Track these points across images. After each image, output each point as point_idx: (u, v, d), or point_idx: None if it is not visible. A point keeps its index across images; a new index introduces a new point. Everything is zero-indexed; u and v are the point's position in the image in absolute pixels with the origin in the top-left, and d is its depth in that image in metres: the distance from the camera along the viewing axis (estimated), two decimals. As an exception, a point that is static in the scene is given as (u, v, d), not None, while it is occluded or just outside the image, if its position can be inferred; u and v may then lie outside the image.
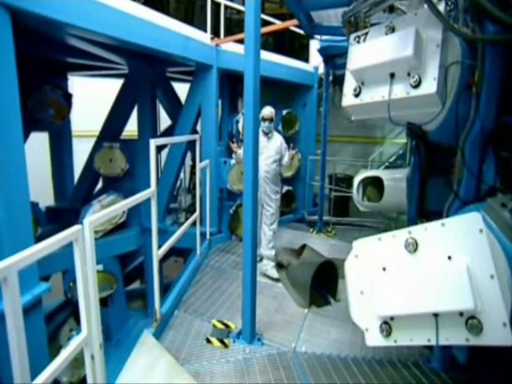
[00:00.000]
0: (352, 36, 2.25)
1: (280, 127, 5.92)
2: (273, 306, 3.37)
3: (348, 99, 2.21)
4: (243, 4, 2.51)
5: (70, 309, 4.89)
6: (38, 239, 1.57)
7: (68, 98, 5.33)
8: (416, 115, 1.97)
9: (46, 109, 4.89)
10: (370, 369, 2.41)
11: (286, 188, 5.97)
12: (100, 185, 5.62)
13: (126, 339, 4.45)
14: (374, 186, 3.41)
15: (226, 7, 5.24)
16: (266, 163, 3.89)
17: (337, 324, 3.10)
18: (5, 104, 2.36)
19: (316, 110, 6.38)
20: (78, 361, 2.96)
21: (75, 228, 1.65)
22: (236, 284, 3.71)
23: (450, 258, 1.36)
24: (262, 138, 3.77)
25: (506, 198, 1.40)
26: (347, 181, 6.11)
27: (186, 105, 5.01)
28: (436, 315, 1.35)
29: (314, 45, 5.93)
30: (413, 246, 1.53)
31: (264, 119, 3.86)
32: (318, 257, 3.77)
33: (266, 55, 5.37)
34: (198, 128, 5.53)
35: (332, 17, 3.61)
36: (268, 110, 3.92)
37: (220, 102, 5.35)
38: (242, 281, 2.74)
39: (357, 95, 2.15)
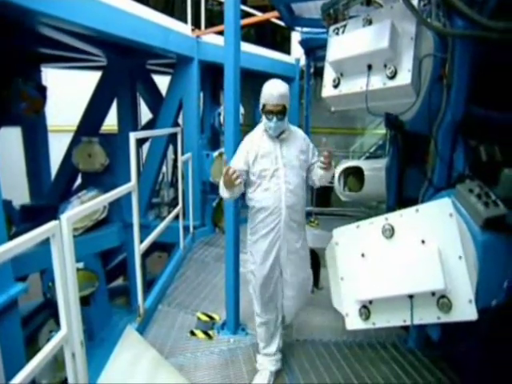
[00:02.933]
0: (331, 28, 2.28)
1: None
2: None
3: (327, 90, 2.24)
4: (223, -6, 2.49)
5: (49, 310, 4.77)
6: (12, 239, 1.46)
7: (42, 90, 5.14)
8: (393, 106, 2.02)
9: (17, 102, 4.66)
10: (350, 352, 2.49)
11: None
12: (79, 181, 5.48)
13: (109, 337, 4.38)
14: (355, 176, 3.49)
15: (207, -2, 5.17)
16: (286, 189, 2.04)
17: (319, 311, 3.17)
18: None
19: (298, 102, 6.42)
20: (58, 362, 2.90)
21: (52, 224, 1.59)
22: (220, 276, 3.73)
23: (423, 241, 1.43)
24: (266, 144, 2.07)
25: (473, 184, 1.48)
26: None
27: (167, 97, 4.95)
28: (411, 296, 1.42)
29: (296, 37, 5.95)
30: (389, 232, 1.58)
31: (268, 111, 2.00)
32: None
33: (248, 47, 5.35)
34: (180, 121, 5.47)
35: (312, 9, 3.62)
36: (277, 91, 1.98)
37: (202, 94, 5.30)
38: (225, 273, 2.77)
39: (336, 86, 2.18)
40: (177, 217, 3.90)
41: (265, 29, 7.10)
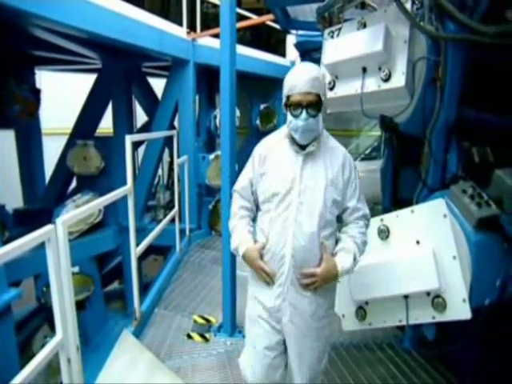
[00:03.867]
0: (326, 31, 2.31)
1: (258, 122, 5.96)
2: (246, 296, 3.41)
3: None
4: (218, -2, 2.50)
5: (43, 315, 4.72)
6: (6, 243, 1.45)
7: (36, 93, 5.10)
8: (387, 108, 2.05)
9: (10, 104, 4.60)
10: (347, 353, 2.50)
11: None
12: (74, 184, 5.44)
13: (105, 342, 4.33)
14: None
15: (202, 1, 5.19)
16: (294, 232, 1.43)
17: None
18: None
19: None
20: (52, 368, 2.88)
21: (47, 228, 1.57)
22: (217, 279, 3.71)
23: (418, 242, 1.44)
24: (284, 155, 1.49)
25: (466, 184, 1.50)
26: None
27: (162, 100, 4.94)
28: (406, 297, 1.43)
29: (291, 39, 5.98)
30: (385, 233, 1.60)
31: (295, 103, 1.40)
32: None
33: (243, 50, 5.36)
34: (176, 124, 5.47)
35: (307, 12, 3.66)
36: (307, 73, 1.39)
37: (197, 97, 5.30)
38: (222, 275, 2.76)
39: (331, 89, 2.21)
40: (173, 220, 3.89)
41: (260, 31, 7.15)
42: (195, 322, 3.00)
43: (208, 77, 5.69)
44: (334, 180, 1.42)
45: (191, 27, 4.83)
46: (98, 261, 4.78)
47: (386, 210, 2.46)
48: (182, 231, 4.36)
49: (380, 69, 1.90)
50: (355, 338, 2.67)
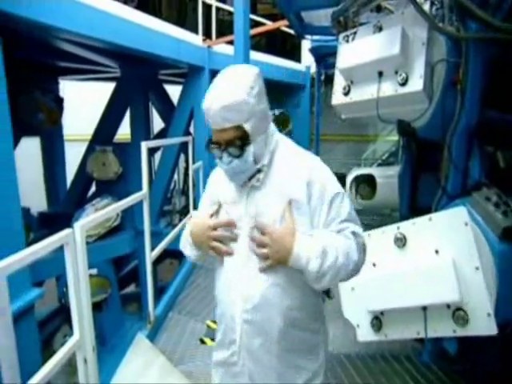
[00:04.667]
0: (341, 35, 2.28)
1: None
2: None
3: (338, 98, 2.24)
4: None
5: (64, 315, 4.84)
6: (31, 245, 1.52)
7: (59, 102, 5.30)
8: (405, 112, 2.00)
9: (36, 113, 4.82)
10: (363, 364, 2.42)
11: None
12: (94, 189, 5.59)
13: (121, 343, 4.40)
14: (367, 183, 3.44)
15: (218, 9, 5.26)
16: (245, 281, 1.08)
17: (330, 321, 3.10)
18: None
19: (309, 110, 6.43)
20: (72, 367, 2.96)
21: (66, 232, 1.63)
22: (231, 284, 3.71)
23: (437, 251, 1.38)
24: (231, 190, 1.14)
25: (491, 191, 1.43)
26: (340, 179, 6.14)
27: (178, 107, 5.02)
28: (424, 308, 1.37)
29: (306, 45, 5.98)
30: (401, 241, 1.55)
31: (214, 142, 1.05)
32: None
33: (258, 56, 5.39)
34: (192, 130, 5.53)
35: (322, 17, 3.64)
36: (218, 102, 0.97)
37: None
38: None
39: (346, 94, 2.17)
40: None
41: (275, 37, 7.17)
42: (208, 327, 2.99)
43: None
44: (290, 201, 1.05)
45: (207, 34, 4.90)
46: (115, 264, 4.87)
47: (404, 218, 2.39)
48: (197, 236, 4.37)
49: (397, 73, 1.85)
50: (371, 348, 2.59)
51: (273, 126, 1.13)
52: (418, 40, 1.79)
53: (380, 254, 1.66)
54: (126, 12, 3.45)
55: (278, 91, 6.51)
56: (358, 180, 3.45)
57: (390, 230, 1.61)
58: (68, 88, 6.75)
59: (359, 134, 7.18)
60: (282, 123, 6.21)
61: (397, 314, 1.51)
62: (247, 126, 1.00)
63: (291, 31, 5.39)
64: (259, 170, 1.07)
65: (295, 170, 1.08)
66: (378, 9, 2.42)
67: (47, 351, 4.10)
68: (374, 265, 1.68)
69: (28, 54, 4.20)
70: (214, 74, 5.12)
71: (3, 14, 2.34)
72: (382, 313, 1.61)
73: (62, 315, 4.91)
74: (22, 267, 1.36)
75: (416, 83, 1.75)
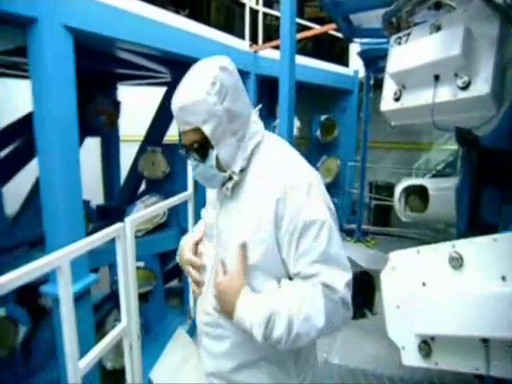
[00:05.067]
0: (393, 38, 2.15)
1: (318, 133, 5.83)
2: None
3: (387, 104, 2.10)
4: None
5: (115, 301, 5.17)
6: (90, 234, 1.74)
7: (117, 105, 5.71)
8: (465, 119, 1.81)
9: (98, 116, 5.28)
10: (408, 391, 2.24)
11: None
12: (143, 186, 5.93)
13: (162, 335, 4.58)
14: (418, 195, 3.20)
15: (265, 14, 5.29)
16: (208, 295, 1.02)
17: (373, 338, 2.93)
18: (65, 113, 2.61)
19: (356, 115, 6.19)
20: (120, 349, 3.19)
21: (117, 226, 1.79)
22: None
23: (503, 278, 1.22)
24: (213, 192, 1.08)
25: None
26: (389, 189, 5.83)
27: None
28: (485, 341, 1.21)
29: (355, 48, 5.78)
30: (457, 262, 1.39)
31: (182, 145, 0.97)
32: (355, 266, 3.62)
33: (304, 60, 5.32)
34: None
35: (373, 19, 3.48)
36: (178, 101, 0.93)
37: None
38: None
39: (397, 99, 2.03)
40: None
41: (322, 40, 7.03)
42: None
43: (268, 88, 5.76)
44: (257, 230, 0.88)
45: (253, 40, 4.94)
46: (160, 259, 5.08)
47: (462, 235, 2.18)
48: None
49: (456, 75, 1.69)
50: (417, 374, 2.39)
51: (255, 128, 0.97)
52: (486, 38, 1.61)
53: (430, 273, 1.51)
54: (177, 21, 3.62)
55: (324, 96, 6.37)
56: (408, 191, 3.23)
57: (444, 248, 1.46)
58: (124, 92, 7.25)
59: (411, 141, 6.74)
60: (327, 129, 6.06)
61: (450, 342, 1.36)
62: (205, 129, 0.88)
63: (339, 34, 5.25)
64: (230, 178, 0.94)
65: (268, 182, 0.89)
66: (437, 6, 2.24)
67: (100, 332, 4.41)
68: (424, 284, 1.54)
69: (92, 64, 4.57)
70: (259, 79, 5.17)
71: (76, 31, 2.59)
72: (432, 338, 1.46)
73: (113, 301, 5.22)
74: (81, 254, 1.54)
75: (481, 87, 1.58)
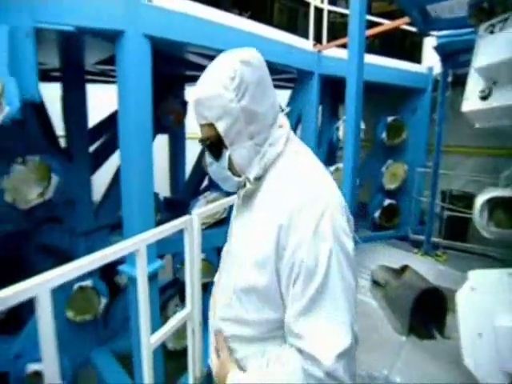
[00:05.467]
0: (483, 26, 1.87)
1: (384, 135, 5.44)
2: (365, 324, 3.08)
3: (471, 103, 1.84)
4: (347, 7, 2.37)
5: (176, 288, 5.46)
6: (158, 224, 1.93)
7: (184, 105, 6.04)
8: None
9: (168, 115, 5.67)
10: None
11: (388, 201, 5.55)
12: (206, 182, 6.25)
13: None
14: (507, 208, 2.77)
15: (330, 12, 5.11)
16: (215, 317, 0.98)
17: (441, 363, 2.62)
18: (142, 112, 2.87)
19: (428, 117, 5.65)
20: (180, 333, 3.41)
21: (186, 218, 1.92)
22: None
23: None
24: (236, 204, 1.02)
25: None
26: (466, 199, 5.18)
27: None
28: None
29: (430, 42, 5.28)
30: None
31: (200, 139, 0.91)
32: (423, 282, 3.29)
33: (371, 58, 5.01)
34: (297, 135, 5.51)
35: (454, 6, 3.11)
36: (194, 94, 0.88)
37: (320, 108, 5.23)
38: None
39: (485, 98, 1.76)
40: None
41: (391, 36, 6.57)
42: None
43: (332, 88, 5.56)
44: (261, 251, 0.78)
45: (317, 39, 4.80)
46: (217, 253, 5.24)
47: None
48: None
49: None
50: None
51: (280, 133, 0.86)
52: None
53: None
54: (240, 23, 3.68)
55: (391, 96, 5.95)
56: (493, 203, 2.80)
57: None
58: (189, 93, 7.67)
59: (497, 146, 5.90)
60: (394, 131, 5.63)
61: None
62: (219, 126, 0.82)
63: (411, 28, 4.85)
64: (244, 184, 0.87)
65: (276, 202, 0.78)
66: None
67: (163, 314, 4.72)
68: (516, 315, 1.30)
69: (165, 66, 4.88)
70: (323, 79, 5.02)
71: (154, 38, 2.82)
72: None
73: (174, 287, 5.55)
74: (153, 241, 1.70)
75: None
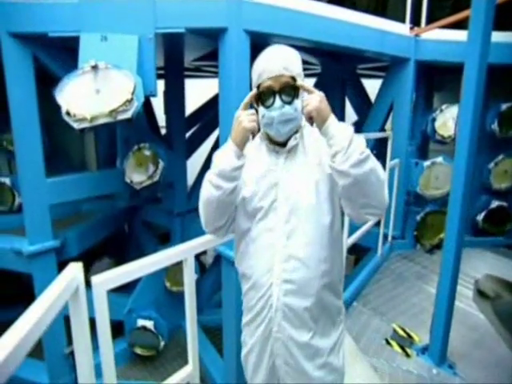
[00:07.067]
0: None
1: (495, 126, 4.71)
2: (471, 338, 2.82)
3: None
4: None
5: None
6: None
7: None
8: None
9: None
10: None
11: (496, 203, 4.75)
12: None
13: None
14: None
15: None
16: (284, 250, 1.15)
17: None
18: (242, 98, 2.99)
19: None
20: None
21: None
22: (420, 297, 3.38)
23: None
24: (263, 160, 1.22)
25: None
26: None
27: (377, 101, 4.90)
28: None
29: None
30: None
31: (266, 90, 1.11)
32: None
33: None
34: (387, 125, 5.29)
35: None
36: (278, 55, 1.14)
37: (414, 97, 4.92)
38: (429, 294, 2.49)
39: None
40: (377, 223, 3.81)
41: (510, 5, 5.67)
42: (395, 331, 2.85)
43: (427, 75, 5.17)
44: (324, 177, 1.15)
45: (414, 22, 4.51)
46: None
47: None
48: (384, 236, 4.20)
49: None
50: None
51: None
52: None
53: None
54: (328, 10, 3.53)
55: (506, 79, 5.05)
56: None
57: None
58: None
59: None
60: (509, 120, 4.72)
61: None
62: (299, 79, 1.12)
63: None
64: (296, 133, 1.18)
65: (315, 145, 1.18)
66: None
67: None
68: None
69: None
70: (421, 65, 4.62)
71: (252, 33, 3.00)
72: None
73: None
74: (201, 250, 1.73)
75: None
